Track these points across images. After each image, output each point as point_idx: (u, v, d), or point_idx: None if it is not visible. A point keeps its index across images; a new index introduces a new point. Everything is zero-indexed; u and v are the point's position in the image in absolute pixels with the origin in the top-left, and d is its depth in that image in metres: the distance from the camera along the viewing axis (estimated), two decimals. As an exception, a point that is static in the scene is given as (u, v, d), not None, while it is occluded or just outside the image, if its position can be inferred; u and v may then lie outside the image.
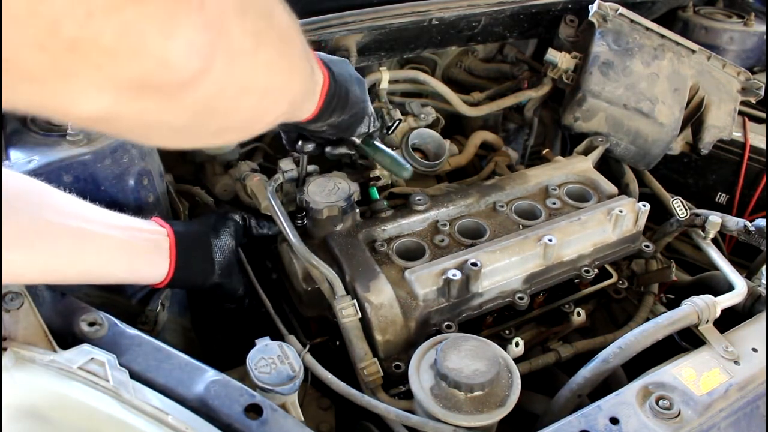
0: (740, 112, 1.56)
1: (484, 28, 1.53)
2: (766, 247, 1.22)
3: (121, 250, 0.92)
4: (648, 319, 1.07)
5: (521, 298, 1.11)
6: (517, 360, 1.05)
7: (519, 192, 1.29)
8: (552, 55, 1.48)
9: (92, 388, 0.74)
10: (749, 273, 1.35)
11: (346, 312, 1.01)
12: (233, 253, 1.08)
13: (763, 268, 1.26)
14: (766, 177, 1.53)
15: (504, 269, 1.11)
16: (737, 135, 1.55)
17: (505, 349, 0.96)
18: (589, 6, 1.45)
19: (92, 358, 0.78)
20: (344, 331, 1.02)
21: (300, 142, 1.06)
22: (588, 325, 1.27)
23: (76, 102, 0.39)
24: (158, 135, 0.52)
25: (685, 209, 1.30)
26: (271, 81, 0.54)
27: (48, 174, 0.96)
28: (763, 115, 1.64)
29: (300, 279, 1.12)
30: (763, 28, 1.69)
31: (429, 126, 1.48)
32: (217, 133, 0.55)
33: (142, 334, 0.85)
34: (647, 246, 1.27)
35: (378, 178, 1.29)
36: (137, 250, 0.95)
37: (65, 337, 0.83)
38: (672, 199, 1.33)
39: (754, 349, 0.97)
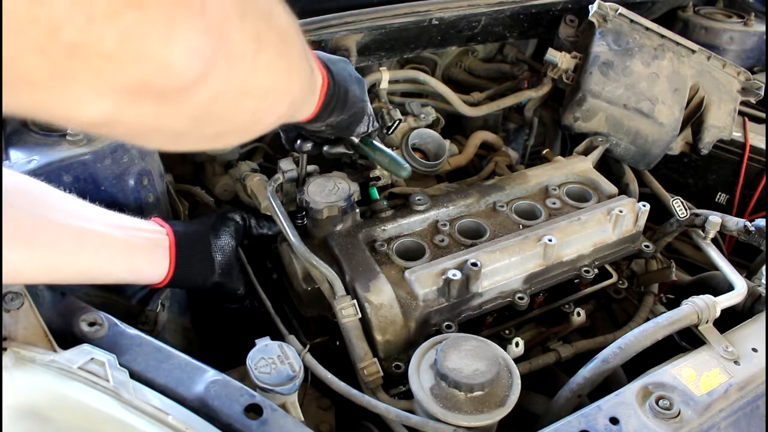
0: (740, 112, 1.56)
1: (484, 28, 1.53)
2: (766, 247, 1.22)
3: (121, 249, 0.92)
4: (648, 319, 1.07)
5: (521, 298, 1.11)
6: (517, 360, 1.05)
7: (519, 192, 1.29)
8: (552, 55, 1.48)
9: (92, 388, 0.74)
10: (749, 273, 1.35)
11: (346, 312, 1.01)
12: (233, 253, 1.08)
13: (763, 268, 1.26)
14: (766, 177, 1.53)
15: (504, 269, 1.11)
16: (737, 135, 1.55)
17: (505, 349, 0.96)
18: (589, 6, 1.45)
19: (92, 358, 0.78)
20: (344, 331, 1.02)
21: (299, 142, 1.06)
22: (588, 325, 1.27)
23: (76, 107, 0.39)
24: (158, 138, 0.52)
25: (685, 209, 1.30)
26: (271, 83, 0.54)
27: (48, 174, 0.97)
28: (763, 115, 1.64)
29: (300, 279, 1.12)
30: (763, 28, 1.69)
31: (429, 126, 1.48)
32: (216, 136, 0.55)
33: (142, 334, 0.85)
34: (647, 246, 1.27)
35: (378, 178, 1.29)
36: (137, 250, 0.95)
37: (65, 337, 0.83)
38: (672, 199, 1.33)
39: (754, 349, 0.97)
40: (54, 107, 0.39)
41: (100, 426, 0.72)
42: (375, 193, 1.25)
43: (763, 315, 1.06)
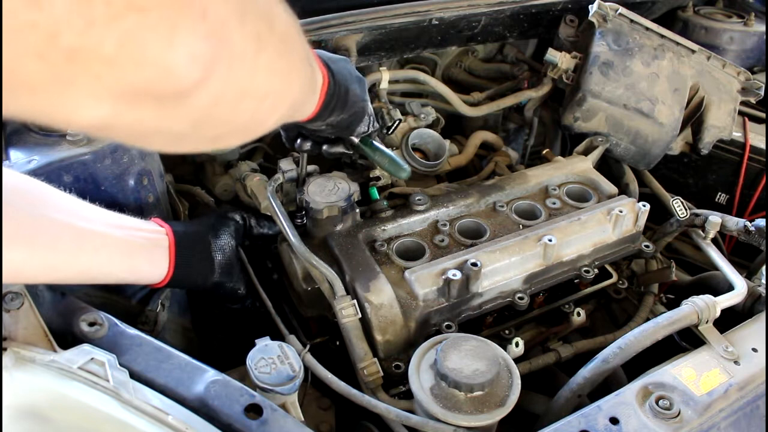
0: (740, 112, 1.56)
1: (484, 28, 1.53)
2: (766, 247, 1.22)
3: (121, 249, 0.92)
4: (648, 319, 1.07)
5: (521, 298, 1.11)
6: (517, 360, 1.05)
7: (519, 192, 1.29)
8: (552, 55, 1.48)
9: (92, 388, 0.74)
10: (749, 273, 1.35)
11: (346, 312, 1.01)
12: (233, 253, 1.08)
13: (763, 268, 1.26)
14: (766, 177, 1.53)
15: (504, 269, 1.11)
16: (737, 135, 1.55)
17: (505, 349, 0.96)
18: (589, 6, 1.45)
19: (92, 358, 0.78)
20: (344, 331, 1.02)
21: (299, 141, 1.06)
22: (588, 325, 1.27)
23: (76, 111, 0.39)
24: (158, 141, 0.51)
25: (685, 209, 1.30)
26: (272, 85, 0.54)
27: (48, 174, 0.97)
28: (763, 115, 1.64)
29: (300, 279, 1.12)
30: (763, 28, 1.69)
31: (429, 126, 1.48)
32: (216, 138, 0.55)
33: (142, 334, 0.85)
34: (647, 246, 1.27)
35: (378, 178, 1.29)
36: (137, 250, 0.95)
37: (65, 337, 0.83)
38: (672, 199, 1.33)
39: (754, 349, 0.97)
40: (53, 111, 0.39)
41: (100, 426, 0.72)
42: (375, 193, 1.25)
43: (763, 315, 1.06)
